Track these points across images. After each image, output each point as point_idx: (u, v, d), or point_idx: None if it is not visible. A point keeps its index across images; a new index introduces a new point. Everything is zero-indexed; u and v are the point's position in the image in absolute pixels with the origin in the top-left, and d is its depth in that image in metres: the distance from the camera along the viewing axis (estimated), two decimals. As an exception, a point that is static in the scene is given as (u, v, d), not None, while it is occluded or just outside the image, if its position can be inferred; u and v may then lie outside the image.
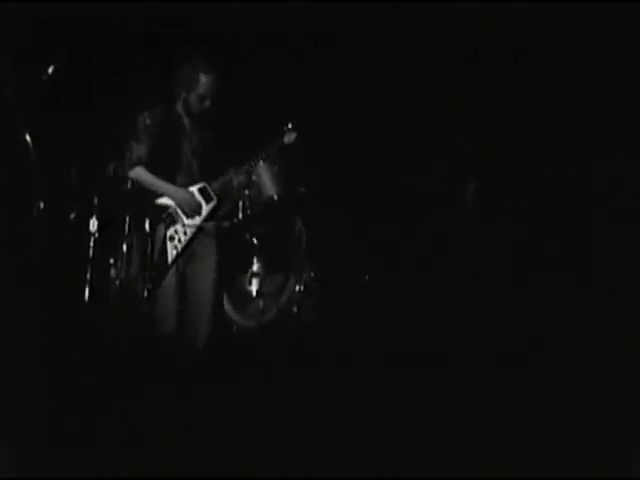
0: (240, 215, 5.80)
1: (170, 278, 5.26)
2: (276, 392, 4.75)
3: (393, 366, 5.18)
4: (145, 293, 5.56)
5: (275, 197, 5.84)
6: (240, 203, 5.78)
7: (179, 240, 5.25)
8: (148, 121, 5.21)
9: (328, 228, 6.91)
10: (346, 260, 6.89)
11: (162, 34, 6.34)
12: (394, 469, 3.83)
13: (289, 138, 5.48)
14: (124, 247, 5.72)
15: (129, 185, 5.56)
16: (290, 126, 5.50)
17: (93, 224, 5.82)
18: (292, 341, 6.28)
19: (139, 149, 5.20)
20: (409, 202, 6.85)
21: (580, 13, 5.92)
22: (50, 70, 5.08)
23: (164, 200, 5.27)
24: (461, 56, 6.55)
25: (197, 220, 5.32)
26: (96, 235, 5.80)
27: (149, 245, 5.27)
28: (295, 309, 6.56)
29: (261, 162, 5.55)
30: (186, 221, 5.28)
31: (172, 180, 5.31)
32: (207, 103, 5.28)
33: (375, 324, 6.13)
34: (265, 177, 5.83)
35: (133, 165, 5.22)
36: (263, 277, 6.62)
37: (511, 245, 6.29)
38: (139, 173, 5.23)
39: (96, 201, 5.86)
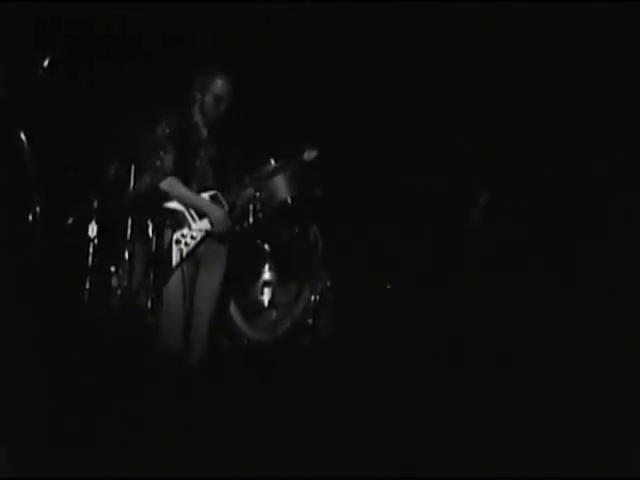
0: (251, 219, 5.83)
1: (177, 291, 5.27)
2: (290, 407, 4.76)
3: (414, 380, 5.20)
4: (149, 303, 5.61)
5: (288, 200, 5.87)
6: (251, 206, 5.81)
7: (185, 244, 5.26)
8: (167, 130, 5.28)
9: (345, 233, 6.93)
10: (365, 268, 6.89)
11: (170, 27, 6.49)
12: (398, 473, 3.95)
13: (309, 155, 5.54)
14: (126, 254, 5.77)
15: (131, 188, 5.63)
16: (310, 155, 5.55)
17: (92, 229, 5.86)
18: (307, 354, 6.26)
19: (168, 158, 5.26)
20: (431, 206, 6.90)
21: (580, 13, 6.07)
22: (46, 63, 5.14)
23: (173, 204, 5.30)
24: (464, 56, 6.70)
25: (206, 225, 5.38)
26: (96, 241, 5.85)
27: (153, 251, 5.32)
28: (310, 320, 6.51)
29: (277, 174, 5.60)
30: (194, 225, 5.33)
31: (187, 185, 5.34)
32: (223, 106, 5.36)
33: (396, 336, 6.12)
34: (278, 179, 5.87)
35: (165, 175, 5.26)
36: (276, 286, 6.57)
37: (517, 247, 6.41)
38: (172, 184, 5.28)
39: (96, 205, 5.93)
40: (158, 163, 5.27)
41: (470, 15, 6.42)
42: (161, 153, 5.27)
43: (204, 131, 5.44)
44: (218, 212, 5.32)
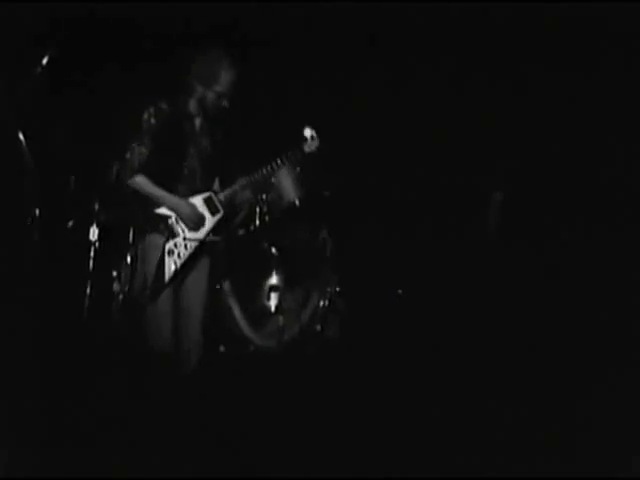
0: (257, 222, 5.75)
1: (165, 294, 5.13)
2: (297, 417, 4.76)
3: (425, 389, 5.17)
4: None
5: (296, 202, 5.81)
6: (257, 209, 5.73)
7: (179, 255, 5.10)
8: (153, 120, 5.06)
9: (355, 236, 6.92)
10: (375, 272, 6.85)
11: (174, 25, 6.46)
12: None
13: (310, 147, 5.33)
14: (128, 258, 5.72)
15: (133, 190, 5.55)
16: (312, 134, 5.35)
17: (93, 233, 5.82)
18: (315, 362, 6.24)
19: (141, 153, 5.05)
20: (443, 209, 6.89)
21: (597, 11, 6.10)
22: (45, 61, 5.07)
23: (164, 210, 5.12)
24: (476, 58, 6.73)
25: (200, 234, 5.20)
26: (97, 245, 5.80)
27: (145, 257, 5.19)
28: (319, 327, 6.52)
29: (276, 171, 5.47)
30: (187, 234, 5.21)
31: (174, 187, 5.14)
32: (225, 102, 5.15)
33: (407, 343, 6.10)
34: (285, 180, 5.80)
35: (134, 172, 5.05)
36: (283, 291, 6.56)
37: (529, 251, 6.44)
38: (140, 182, 5.07)
39: (97, 207, 5.88)
40: (127, 155, 5.07)
41: (486, 11, 6.44)
42: (134, 145, 5.06)
43: (197, 122, 5.24)
44: (187, 209, 5.13)
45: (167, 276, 5.06)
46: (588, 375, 5.24)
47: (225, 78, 5.10)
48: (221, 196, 5.24)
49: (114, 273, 5.93)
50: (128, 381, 4.80)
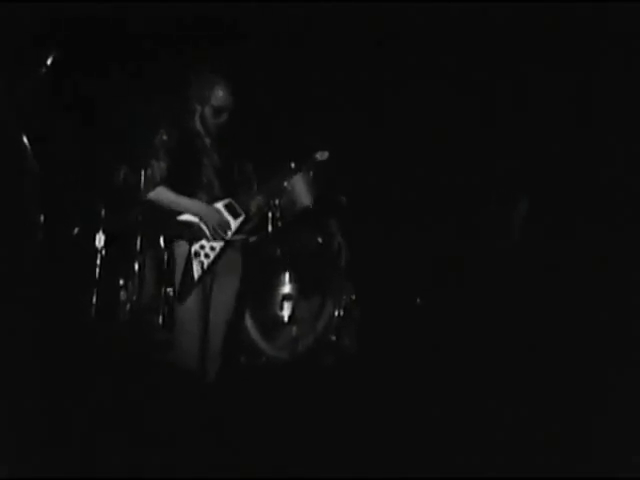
0: (270, 228, 5.71)
1: (193, 305, 5.21)
2: (311, 430, 4.72)
3: (443, 401, 5.12)
4: (160, 319, 5.48)
5: (311, 207, 5.75)
6: (270, 214, 5.70)
7: (206, 255, 5.21)
8: (165, 137, 5.26)
9: (371, 243, 6.88)
10: (392, 280, 6.84)
11: (174, 25, 6.54)
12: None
13: (322, 155, 5.50)
14: (136, 266, 5.66)
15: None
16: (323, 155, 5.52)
17: (100, 239, 5.78)
18: (330, 374, 6.22)
19: (160, 167, 5.23)
20: (463, 215, 6.91)
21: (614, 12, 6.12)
22: (49, 61, 5.06)
23: (187, 217, 5.24)
24: (476, 58, 6.79)
25: (225, 236, 5.29)
26: (103, 252, 5.75)
27: (165, 263, 5.18)
28: (333, 337, 6.47)
29: (292, 177, 5.52)
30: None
31: (195, 195, 5.30)
32: (224, 117, 5.34)
33: (425, 354, 6.07)
34: (299, 184, 5.75)
35: (155, 185, 5.22)
36: (296, 300, 6.56)
37: (555, 262, 6.42)
38: (161, 193, 5.22)
39: (103, 213, 5.83)
40: (148, 172, 5.22)
41: (486, 11, 6.52)
42: (152, 161, 5.23)
43: (207, 140, 5.41)
44: (211, 213, 5.27)
45: (196, 277, 5.17)
46: (588, 375, 5.26)
47: (218, 95, 5.33)
48: (240, 202, 5.36)
49: (121, 281, 5.88)
50: (134, 389, 4.72)
